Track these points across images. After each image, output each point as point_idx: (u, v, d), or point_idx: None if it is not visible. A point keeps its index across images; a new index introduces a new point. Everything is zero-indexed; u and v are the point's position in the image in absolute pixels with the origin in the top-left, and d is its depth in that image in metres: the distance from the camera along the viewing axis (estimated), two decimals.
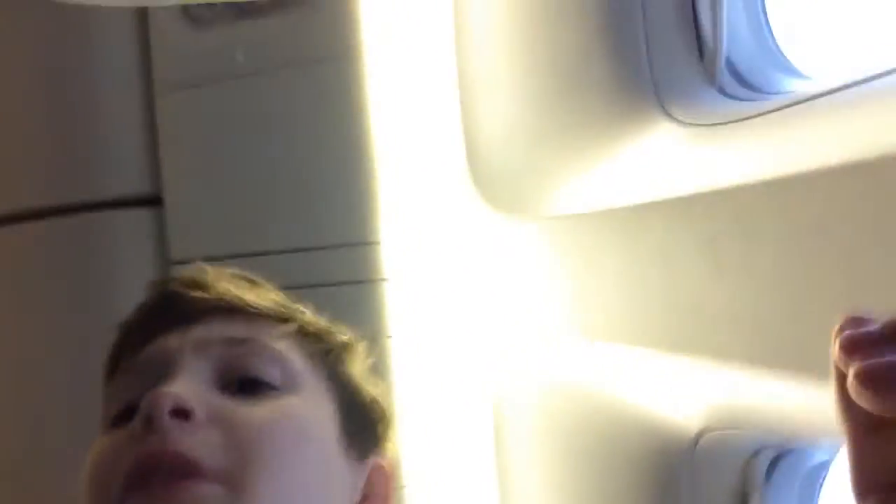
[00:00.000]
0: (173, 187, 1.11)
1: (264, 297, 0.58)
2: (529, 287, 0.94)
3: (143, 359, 0.55)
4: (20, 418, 1.09)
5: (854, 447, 0.36)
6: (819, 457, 0.81)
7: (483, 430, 0.93)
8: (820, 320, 0.67)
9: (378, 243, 1.04)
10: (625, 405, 0.85)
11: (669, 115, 0.84)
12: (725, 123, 0.79)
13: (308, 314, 0.59)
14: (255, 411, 0.52)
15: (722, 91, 0.83)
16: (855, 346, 0.34)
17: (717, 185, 0.75)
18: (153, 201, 1.12)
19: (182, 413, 0.50)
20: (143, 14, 1.12)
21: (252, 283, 0.59)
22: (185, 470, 0.48)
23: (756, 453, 0.82)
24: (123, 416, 0.53)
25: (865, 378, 0.33)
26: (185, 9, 1.13)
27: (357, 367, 0.60)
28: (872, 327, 0.35)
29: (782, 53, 0.82)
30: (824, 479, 0.82)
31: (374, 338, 0.75)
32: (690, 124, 0.82)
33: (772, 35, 0.82)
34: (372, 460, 0.59)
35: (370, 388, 0.61)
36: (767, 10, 0.82)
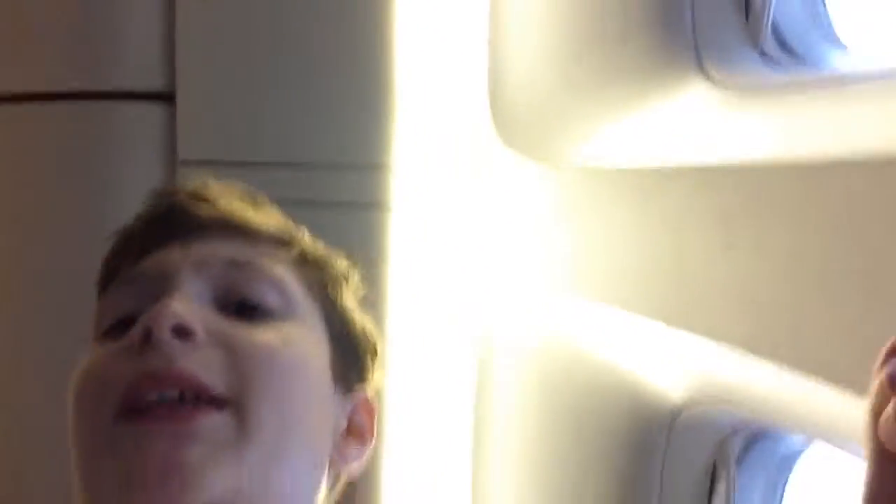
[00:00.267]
0: (187, 85, 1.08)
1: (267, 218, 0.57)
2: (535, 235, 0.92)
3: (141, 271, 0.53)
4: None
5: (874, 469, 0.36)
6: (792, 445, 0.80)
7: (466, 373, 0.92)
8: (823, 313, 0.65)
9: (389, 168, 1.02)
10: (611, 368, 0.84)
11: (706, 74, 0.80)
12: (763, 89, 0.76)
13: (308, 239, 0.58)
14: (256, 334, 0.51)
15: (764, 55, 0.78)
16: None
17: (742, 156, 0.72)
18: (166, 97, 1.09)
19: (183, 331, 0.48)
20: None
21: (256, 202, 0.57)
22: (192, 394, 0.47)
23: (733, 433, 0.82)
24: (117, 327, 0.52)
25: None
26: None
27: (351, 297, 0.59)
28: None
29: (832, 24, 0.77)
30: (794, 467, 0.82)
31: (372, 264, 0.74)
32: (727, 86, 0.78)
33: (824, 4, 0.77)
34: (358, 393, 0.59)
35: (361, 318, 0.60)
36: None
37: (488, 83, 0.96)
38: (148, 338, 0.48)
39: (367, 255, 0.65)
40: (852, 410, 0.60)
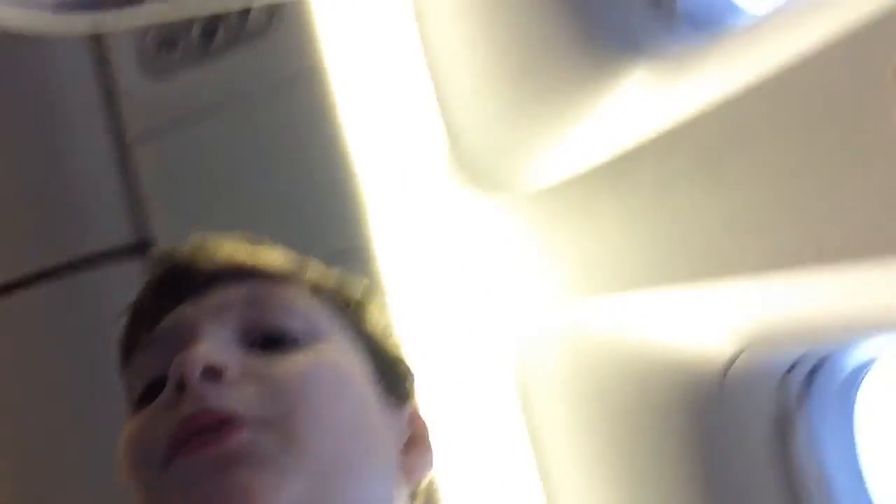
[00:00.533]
0: (161, 232, 1.10)
1: (272, 255, 0.57)
2: (535, 258, 0.94)
3: (161, 332, 0.53)
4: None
5: None
6: (850, 367, 0.80)
7: (509, 401, 0.92)
8: (828, 213, 0.68)
9: (371, 248, 1.04)
10: (648, 347, 0.84)
11: (640, 58, 0.86)
12: (694, 52, 0.82)
13: (318, 269, 0.59)
14: (289, 363, 0.51)
15: (685, 28, 0.85)
16: None
17: (697, 106, 0.77)
18: (140, 248, 1.11)
19: (214, 372, 0.48)
20: (105, 72, 1.13)
21: (255, 244, 0.58)
22: (226, 424, 0.47)
23: (789, 370, 0.81)
24: (150, 392, 0.52)
25: None
26: (144, 60, 1.15)
27: (377, 321, 0.60)
28: None
29: None
30: (859, 388, 0.81)
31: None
32: (662, 61, 0.84)
33: None
34: (408, 406, 0.58)
35: (391, 335, 0.60)
36: None
37: (447, 139, 1.01)
38: (182, 387, 0.48)
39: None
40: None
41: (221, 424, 0.47)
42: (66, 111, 1.14)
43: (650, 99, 0.85)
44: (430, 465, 0.58)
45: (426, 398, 0.62)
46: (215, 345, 0.50)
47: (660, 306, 0.83)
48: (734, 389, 0.81)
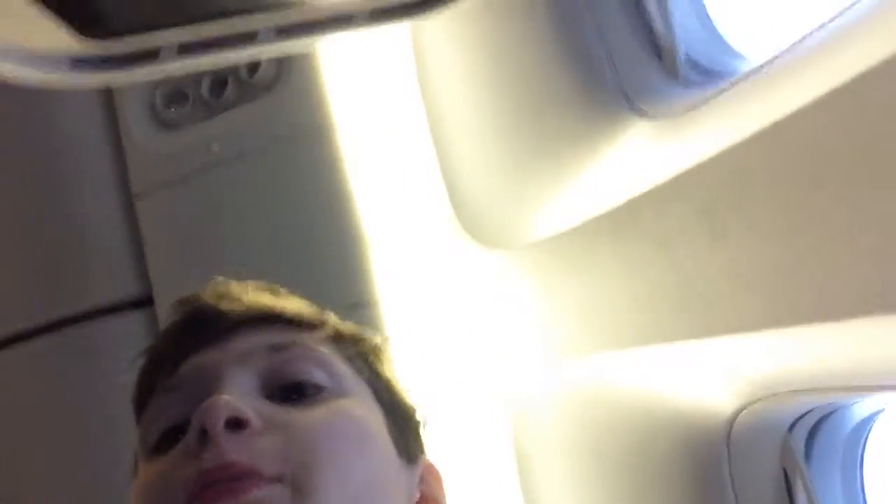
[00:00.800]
0: (163, 286, 1.10)
1: (293, 303, 0.58)
2: (537, 313, 0.94)
3: (183, 376, 0.53)
4: None
5: None
6: (859, 413, 0.80)
7: (507, 459, 0.91)
8: (828, 268, 0.69)
9: (377, 304, 1.04)
10: (650, 403, 0.84)
11: (641, 115, 0.87)
12: (694, 107, 0.83)
13: (337, 318, 0.59)
14: (311, 414, 0.51)
15: (685, 83, 0.86)
16: None
17: (698, 160, 0.78)
18: (144, 303, 1.11)
19: (237, 423, 0.48)
20: (113, 124, 1.15)
21: (275, 291, 0.59)
22: (245, 479, 0.47)
23: (793, 425, 0.81)
24: (168, 438, 0.51)
25: None
26: (155, 113, 1.16)
27: (390, 368, 0.60)
28: None
29: (729, 40, 0.87)
30: (866, 437, 0.81)
31: None
32: (664, 116, 0.85)
33: (717, 26, 0.87)
34: (422, 461, 0.58)
35: (404, 388, 0.60)
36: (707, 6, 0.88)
37: (449, 196, 1.02)
38: (203, 437, 0.48)
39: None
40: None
41: (240, 477, 0.47)
42: (75, 164, 1.15)
43: (651, 152, 0.86)
44: None
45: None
46: (239, 394, 0.50)
47: (661, 362, 0.83)
48: (738, 446, 0.80)
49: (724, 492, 0.79)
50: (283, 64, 1.10)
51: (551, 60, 0.91)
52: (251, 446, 0.48)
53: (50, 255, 1.13)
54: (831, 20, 0.68)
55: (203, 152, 1.12)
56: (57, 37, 0.54)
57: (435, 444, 0.82)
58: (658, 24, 0.87)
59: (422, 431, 0.60)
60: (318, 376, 0.53)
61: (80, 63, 0.58)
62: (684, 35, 0.86)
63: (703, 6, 0.87)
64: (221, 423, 0.48)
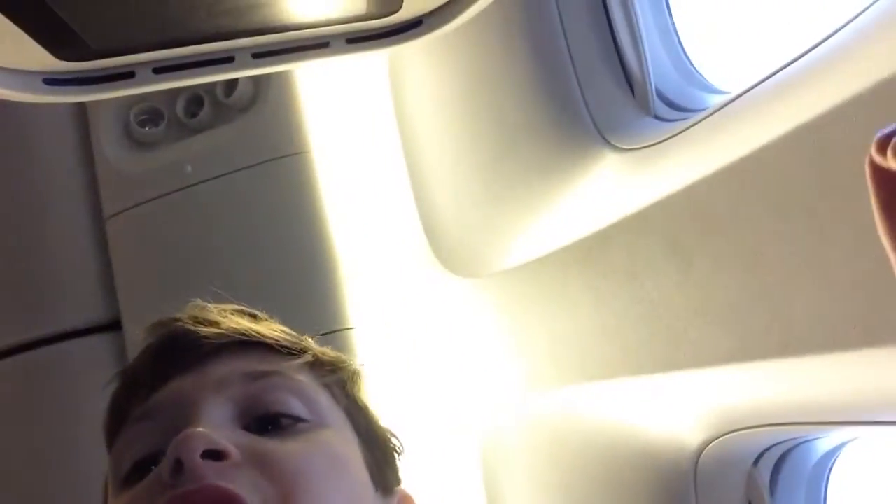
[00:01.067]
0: (131, 311, 1.09)
1: (273, 328, 0.56)
2: (508, 343, 0.94)
3: (158, 403, 0.51)
4: None
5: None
6: (824, 446, 0.81)
7: (473, 482, 0.90)
8: (792, 299, 0.70)
9: (351, 329, 1.04)
10: (618, 435, 0.84)
11: (613, 147, 0.88)
12: (664, 141, 0.84)
13: (315, 345, 0.58)
14: (290, 447, 0.49)
15: (657, 117, 0.88)
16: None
17: (667, 193, 0.79)
18: (112, 326, 1.10)
19: (215, 454, 0.46)
20: (86, 142, 1.14)
21: (254, 316, 0.57)
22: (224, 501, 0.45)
23: (759, 458, 0.82)
24: (140, 468, 0.49)
25: None
26: (129, 132, 1.16)
27: (365, 396, 0.59)
28: None
29: (701, 74, 0.89)
30: (831, 469, 0.82)
31: None
32: (634, 150, 0.86)
33: (689, 60, 0.89)
34: (398, 492, 0.57)
35: (379, 417, 0.59)
36: (681, 40, 0.90)
37: (424, 227, 1.02)
38: (179, 469, 0.45)
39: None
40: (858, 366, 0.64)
41: (223, 501, 0.45)
42: (47, 184, 1.14)
43: (621, 184, 0.87)
44: None
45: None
46: (215, 425, 0.48)
47: (629, 394, 0.84)
48: (704, 478, 0.81)
49: None
50: (261, 86, 1.10)
51: (525, 93, 0.92)
52: (230, 475, 0.46)
53: (18, 277, 1.11)
54: (797, 59, 0.70)
55: (177, 173, 1.11)
56: (32, 54, 0.54)
57: (404, 473, 0.82)
58: (631, 59, 0.88)
59: (398, 461, 0.59)
60: (296, 407, 0.51)
61: (54, 81, 0.58)
62: (656, 70, 0.88)
63: (676, 42, 0.89)
64: (198, 454, 0.46)
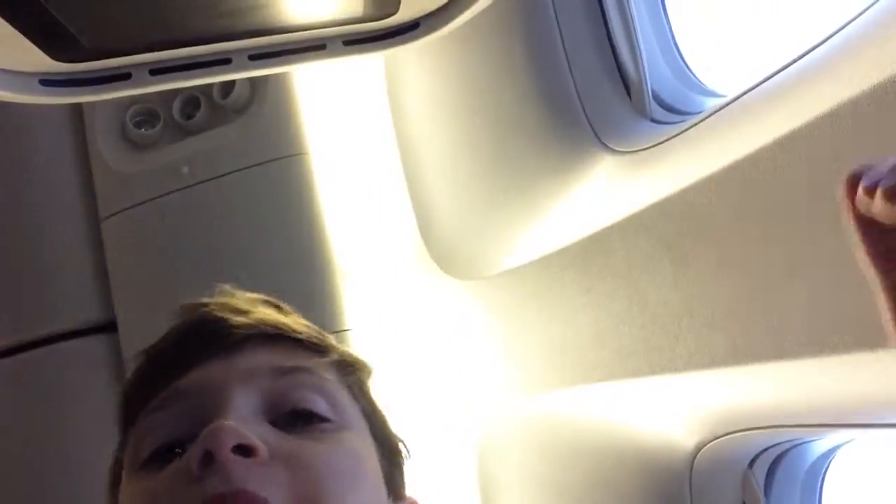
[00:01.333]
0: (126, 312, 1.08)
1: (299, 323, 0.55)
2: (504, 345, 0.94)
3: (183, 389, 0.50)
4: None
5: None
6: (819, 449, 0.81)
7: (469, 484, 0.90)
8: (786, 302, 0.70)
9: (347, 330, 1.04)
10: (614, 438, 0.84)
11: (610, 150, 0.88)
12: (661, 144, 0.84)
13: (337, 343, 0.57)
14: (316, 447, 0.49)
15: (653, 120, 0.88)
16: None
17: (663, 195, 0.79)
18: (107, 327, 1.10)
19: (245, 450, 0.46)
20: (83, 143, 1.14)
21: (280, 308, 0.56)
22: None
23: (754, 460, 0.82)
24: (162, 453, 0.48)
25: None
26: (125, 133, 1.16)
27: (378, 401, 0.59)
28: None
29: (697, 78, 0.89)
30: (825, 471, 0.82)
31: None
32: (631, 153, 0.86)
33: (685, 63, 0.89)
34: (408, 498, 0.57)
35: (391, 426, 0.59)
36: (678, 44, 0.90)
37: (420, 229, 1.02)
38: (209, 461, 0.45)
39: None
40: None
41: None
42: (43, 186, 1.14)
43: (618, 186, 0.87)
44: None
45: None
46: (244, 417, 0.48)
47: (625, 397, 0.84)
48: (699, 480, 0.81)
49: None
50: (257, 88, 1.10)
51: (522, 95, 0.93)
52: (257, 476, 0.46)
53: (14, 278, 1.11)
54: (792, 62, 0.70)
55: (173, 175, 1.12)
56: (29, 55, 0.54)
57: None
58: (627, 63, 0.88)
59: (405, 467, 0.59)
60: (322, 406, 0.51)
61: (50, 82, 0.58)
62: (652, 73, 0.88)
63: (672, 46, 0.90)
64: (229, 449, 0.45)
